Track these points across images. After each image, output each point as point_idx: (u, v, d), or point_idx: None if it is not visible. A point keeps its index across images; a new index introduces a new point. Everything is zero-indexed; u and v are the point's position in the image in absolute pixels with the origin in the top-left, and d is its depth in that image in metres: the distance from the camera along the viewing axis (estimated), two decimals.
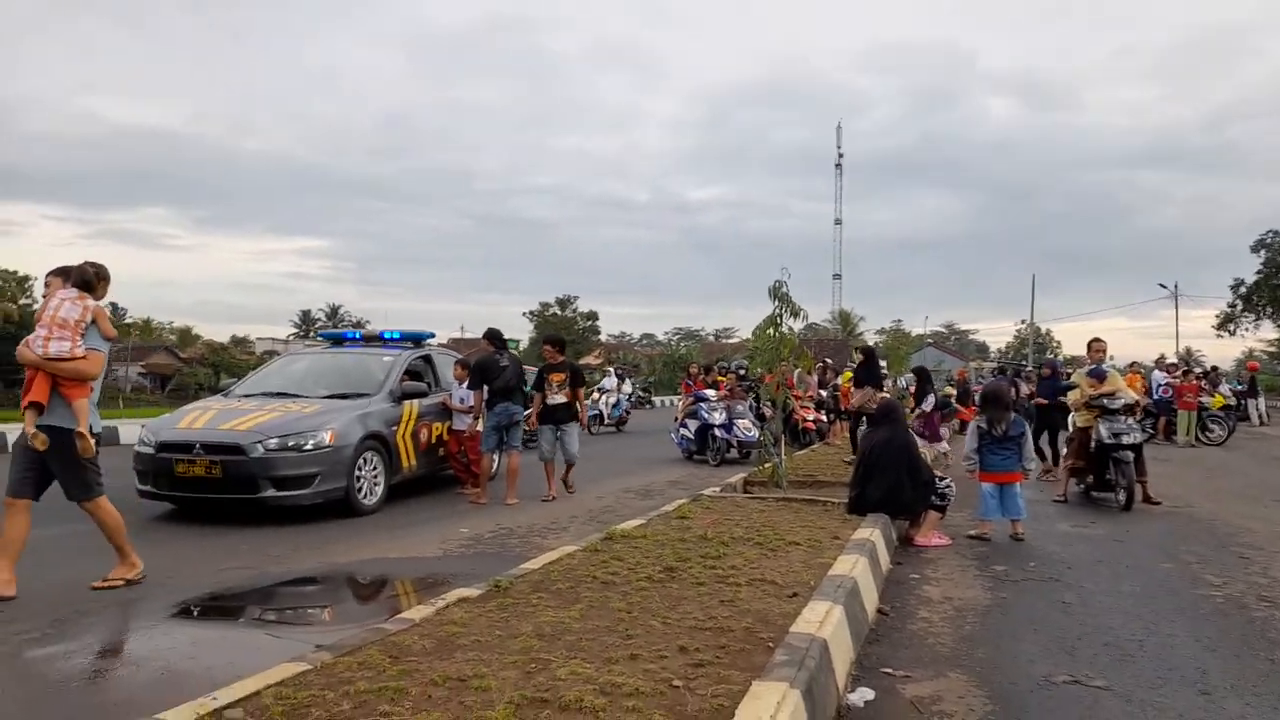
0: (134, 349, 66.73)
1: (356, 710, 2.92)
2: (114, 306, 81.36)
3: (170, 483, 7.87)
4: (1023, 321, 75.05)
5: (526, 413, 9.59)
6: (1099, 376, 9.59)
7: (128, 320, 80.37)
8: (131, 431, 16.10)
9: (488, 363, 9.33)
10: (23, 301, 57.99)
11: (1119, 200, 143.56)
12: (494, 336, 9.72)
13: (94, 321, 5.40)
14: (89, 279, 5.49)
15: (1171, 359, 21.27)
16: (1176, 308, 52.37)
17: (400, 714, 2.89)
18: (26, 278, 59.74)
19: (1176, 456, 15.37)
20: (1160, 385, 18.72)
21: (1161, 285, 53.61)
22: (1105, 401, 9.30)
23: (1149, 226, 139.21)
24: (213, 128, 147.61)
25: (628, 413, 22.57)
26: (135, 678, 3.92)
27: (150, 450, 7.98)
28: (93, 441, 5.38)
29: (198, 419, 8.28)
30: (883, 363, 40.69)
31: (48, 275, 5.64)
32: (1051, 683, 3.96)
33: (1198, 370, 21.06)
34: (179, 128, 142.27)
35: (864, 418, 11.80)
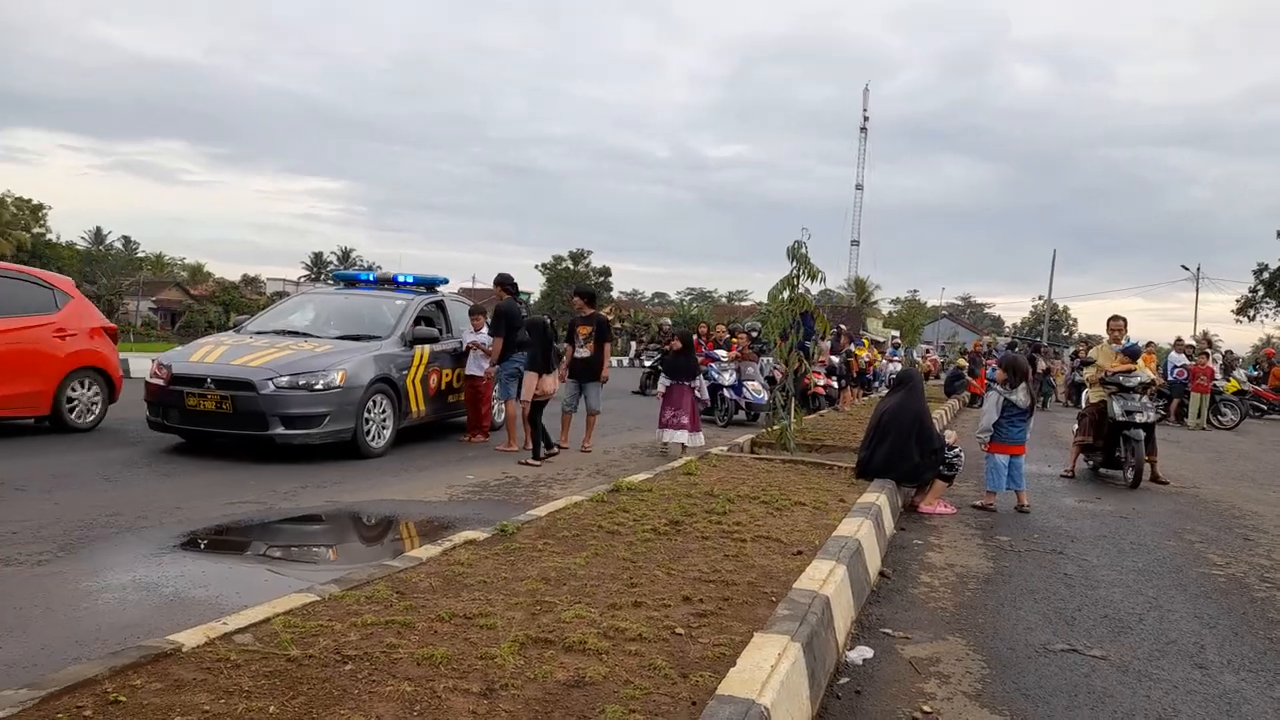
0: (145, 284, 67.04)
1: (364, 641, 2.96)
2: (126, 240, 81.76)
3: (181, 415, 7.93)
4: (1040, 297, 74.59)
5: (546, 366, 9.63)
6: (1133, 355, 9.48)
7: (140, 254, 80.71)
8: (142, 365, 16.21)
9: (514, 310, 9.31)
10: (36, 230, 58.12)
11: (1147, 179, 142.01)
12: (506, 283, 9.68)
13: None
14: None
15: (1189, 341, 21.07)
16: (1197, 290, 51.85)
17: (406, 646, 2.93)
18: (40, 206, 59.76)
19: (1186, 439, 15.32)
20: (1175, 367, 18.60)
21: (1184, 267, 53.10)
22: (1122, 379, 9.24)
23: (1175, 207, 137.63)
24: (229, 61, 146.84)
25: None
26: (145, 602, 3.98)
27: (162, 382, 8.02)
28: None
29: (210, 353, 8.31)
30: (895, 333, 40.48)
31: None
32: (1049, 650, 3.98)
33: (1215, 354, 20.87)
34: (195, 60, 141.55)
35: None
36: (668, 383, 10.00)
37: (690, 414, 9.64)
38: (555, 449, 8.99)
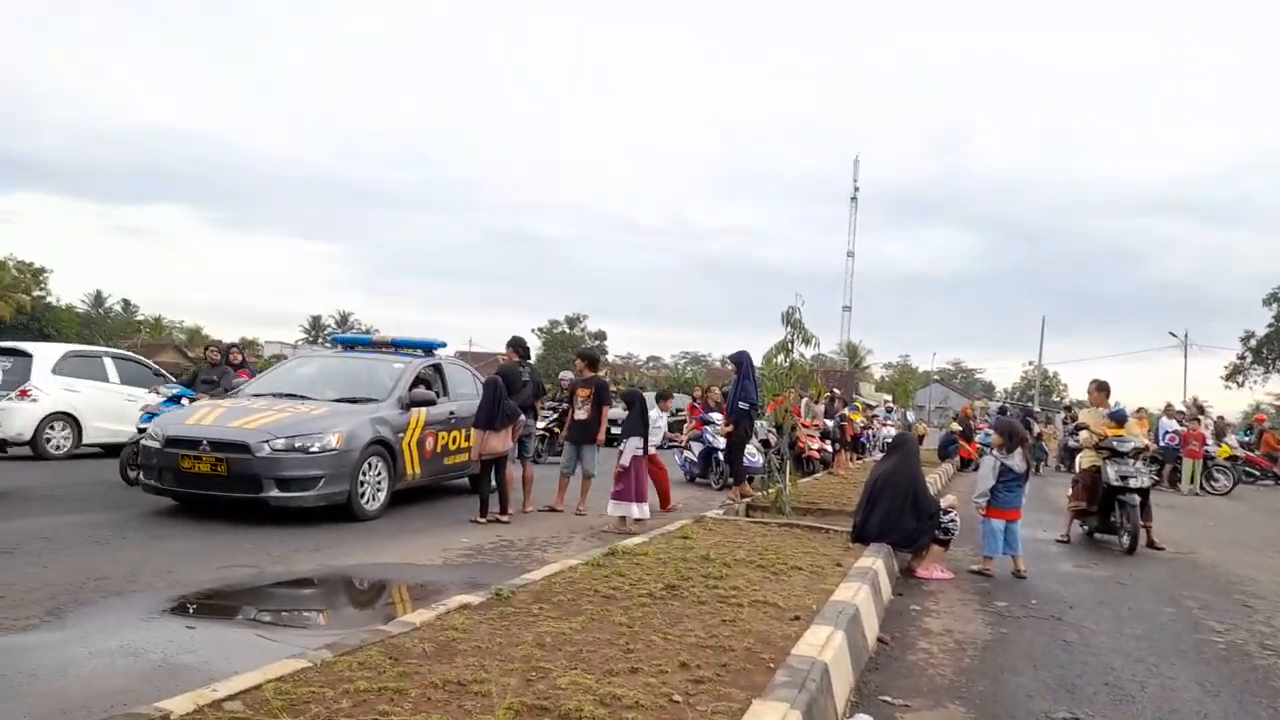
0: (144, 346, 67.06)
1: (355, 708, 2.92)
2: (126, 303, 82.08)
3: (175, 478, 7.88)
4: (1030, 363, 74.99)
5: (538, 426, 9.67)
6: (1118, 419, 9.54)
7: (139, 317, 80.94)
8: None
9: (511, 374, 9.33)
10: (36, 293, 58.38)
11: (1132, 247, 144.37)
12: (519, 345, 9.78)
13: None
14: None
15: (1180, 406, 21.13)
16: (1186, 356, 52.13)
17: (399, 714, 2.88)
18: (41, 269, 60.10)
19: (1180, 504, 15.27)
20: (1167, 433, 18.65)
21: (1172, 334, 53.37)
22: (1115, 444, 9.27)
23: (1159, 275, 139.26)
24: (227, 126, 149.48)
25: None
26: (132, 668, 3.91)
27: (157, 444, 8.00)
28: None
29: (206, 415, 8.30)
30: (888, 397, 40.67)
31: None
32: (1050, 718, 3.93)
33: (1207, 420, 20.91)
34: (194, 125, 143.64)
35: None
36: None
37: (622, 481, 8.53)
38: (509, 512, 8.81)
